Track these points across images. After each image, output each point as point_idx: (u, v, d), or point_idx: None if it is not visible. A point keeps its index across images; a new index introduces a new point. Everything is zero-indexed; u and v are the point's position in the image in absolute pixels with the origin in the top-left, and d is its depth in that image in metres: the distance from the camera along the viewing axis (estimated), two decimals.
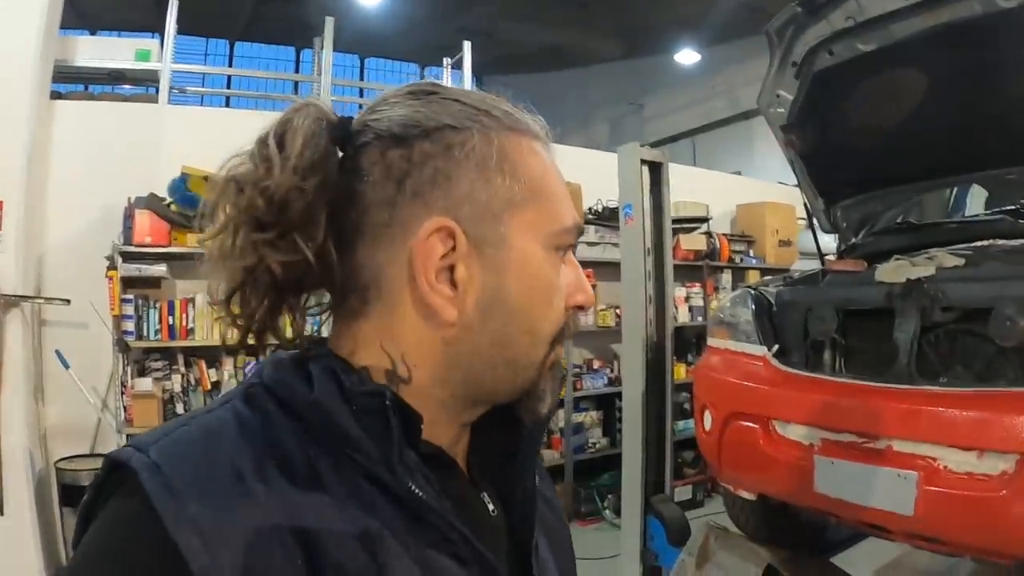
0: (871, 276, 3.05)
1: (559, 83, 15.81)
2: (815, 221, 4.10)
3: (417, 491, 0.70)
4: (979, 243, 3.11)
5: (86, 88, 6.66)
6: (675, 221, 6.30)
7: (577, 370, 6.55)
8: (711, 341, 3.71)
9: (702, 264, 7.12)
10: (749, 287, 3.75)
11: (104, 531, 0.66)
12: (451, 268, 0.74)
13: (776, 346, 3.30)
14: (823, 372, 3.13)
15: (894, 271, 2.93)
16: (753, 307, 3.46)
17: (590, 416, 6.63)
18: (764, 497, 3.30)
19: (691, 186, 7.08)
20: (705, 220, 7.35)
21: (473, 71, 7.90)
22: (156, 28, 6.45)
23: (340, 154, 0.76)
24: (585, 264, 5.60)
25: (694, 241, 7.09)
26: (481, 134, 0.76)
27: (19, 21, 4.42)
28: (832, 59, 3.38)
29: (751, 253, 7.74)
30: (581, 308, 0.83)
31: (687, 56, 14.05)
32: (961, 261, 2.85)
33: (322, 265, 0.74)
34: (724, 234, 7.58)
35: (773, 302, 3.49)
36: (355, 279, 0.76)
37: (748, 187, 8.62)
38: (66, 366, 4.62)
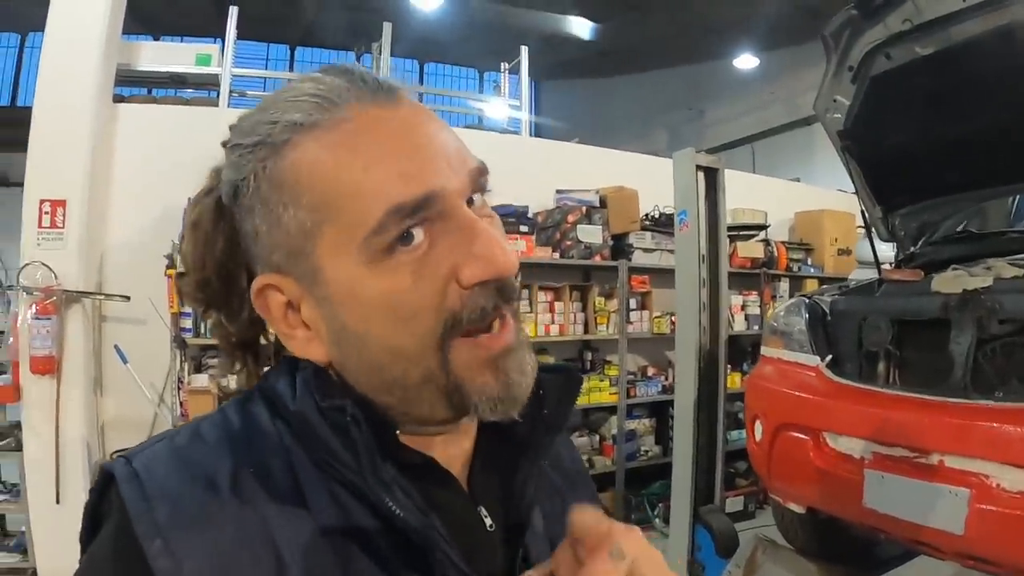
0: (927, 286, 2.98)
1: (618, 88, 15.76)
2: (872, 229, 4.01)
3: (394, 508, 0.66)
4: None
5: (149, 92, 6.81)
6: (733, 228, 6.24)
7: (631, 377, 6.49)
8: (764, 350, 3.65)
9: (759, 272, 7.02)
10: (804, 295, 3.68)
11: (98, 543, 0.67)
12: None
13: (829, 356, 3.23)
14: (876, 384, 3.06)
15: (951, 281, 2.86)
16: (807, 316, 3.40)
17: (643, 423, 6.56)
18: (813, 510, 3.23)
19: (750, 193, 7.00)
20: (763, 227, 7.25)
21: (531, 76, 7.92)
22: (217, 33, 6.57)
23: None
24: (640, 271, 5.54)
25: (751, 249, 7.00)
26: (255, 175, 0.70)
27: (83, 26, 4.56)
28: (889, 63, 3.30)
29: (809, 262, 7.61)
30: (485, 282, 0.68)
31: (746, 61, 13.90)
32: (1020, 272, 2.77)
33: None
34: (782, 242, 7.46)
35: (827, 311, 3.42)
36: None
37: (807, 194, 8.47)
38: (125, 361, 4.73)
